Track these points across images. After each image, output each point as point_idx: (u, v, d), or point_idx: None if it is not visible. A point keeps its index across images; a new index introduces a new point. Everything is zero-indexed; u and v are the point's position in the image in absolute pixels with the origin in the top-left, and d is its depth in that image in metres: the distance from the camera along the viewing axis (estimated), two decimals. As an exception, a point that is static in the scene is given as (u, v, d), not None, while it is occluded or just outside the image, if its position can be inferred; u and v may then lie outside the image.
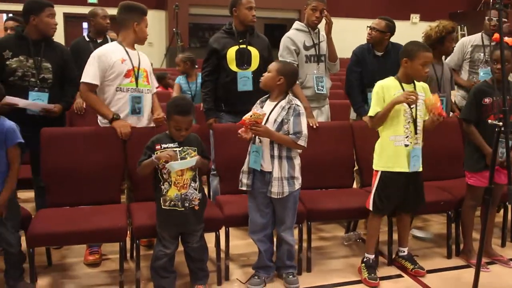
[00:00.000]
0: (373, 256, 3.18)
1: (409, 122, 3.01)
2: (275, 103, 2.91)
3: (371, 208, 3.13)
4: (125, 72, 3.20)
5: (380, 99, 3.04)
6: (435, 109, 2.95)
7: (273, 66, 2.96)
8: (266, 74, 2.94)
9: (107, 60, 3.16)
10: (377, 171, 3.12)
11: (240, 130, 2.90)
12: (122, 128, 3.16)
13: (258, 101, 3.01)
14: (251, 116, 2.79)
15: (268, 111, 2.89)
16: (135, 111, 3.27)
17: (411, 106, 2.99)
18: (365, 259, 3.18)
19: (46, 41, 3.25)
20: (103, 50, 3.22)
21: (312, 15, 3.86)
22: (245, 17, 3.71)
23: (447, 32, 3.86)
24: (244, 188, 2.97)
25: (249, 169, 2.96)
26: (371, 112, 3.06)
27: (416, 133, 3.03)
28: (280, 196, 2.88)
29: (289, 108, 2.87)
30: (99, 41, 4.38)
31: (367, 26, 3.95)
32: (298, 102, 2.93)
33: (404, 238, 3.30)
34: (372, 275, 3.09)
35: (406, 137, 3.02)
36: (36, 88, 3.16)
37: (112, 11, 5.33)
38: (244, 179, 2.97)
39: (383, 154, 3.08)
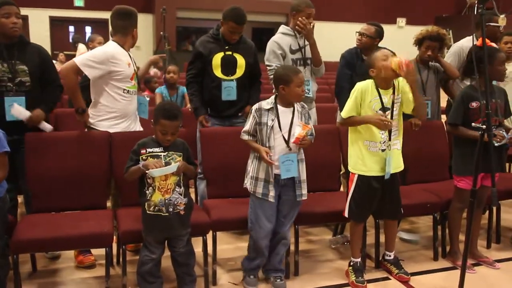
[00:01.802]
0: (359, 259, 3.20)
1: None
2: (291, 109, 2.92)
3: (347, 215, 3.14)
4: (131, 75, 3.31)
5: (357, 104, 3.00)
6: (401, 66, 2.84)
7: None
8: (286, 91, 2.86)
9: (117, 61, 3.22)
10: (353, 174, 3.11)
11: (268, 160, 2.82)
12: (86, 118, 3.28)
13: (263, 109, 2.88)
14: (306, 133, 2.81)
15: (289, 118, 2.89)
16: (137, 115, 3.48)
17: (386, 113, 2.98)
18: (352, 263, 3.20)
19: (20, 43, 3.18)
20: (114, 51, 3.25)
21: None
22: (227, 36, 3.70)
23: (425, 36, 3.86)
24: (272, 201, 2.90)
25: (275, 180, 2.89)
26: (344, 114, 3.05)
27: (390, 139, 3.01)
28: (306, 197, 2.95)
29: (303, 112, 2.95)
30: None
31: (356, 32, 3.96)
32: (305, 104, 3.02)
33: (391, 242, 3.31)
34: (360, 278, 3.10)
35: (383, 142, 3.01)
36: (11, 93, 3.10)
37: (98, 15, 5.32)
38: (272, 192, 2.89)
39: (357, 157, 3.07)
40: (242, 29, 3.68)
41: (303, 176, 2.98)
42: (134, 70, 3.35)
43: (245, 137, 2.96)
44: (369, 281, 3.17)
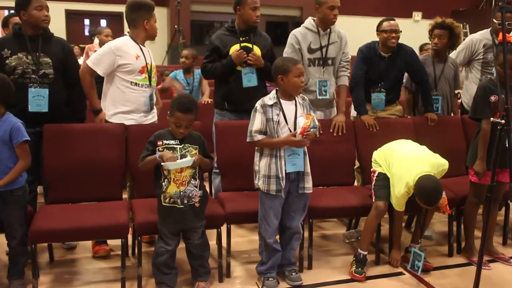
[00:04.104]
0: (366, 252, 3.19)
1: None
2: (293, 102, 2.92)
3: (374, 200, 3.19)
4: (140, 68, 3.30)
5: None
6: (442, 208, 3.10)
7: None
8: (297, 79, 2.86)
9: (122, 54, 3.25)
10: (375, 170, 3.27)
11: (299, 140, 2.80)
12: (103, 117, 3.33)
13: (267, 105, 2.85)
14: (311, 122, 2.80)
15: (293, 111, 2.90)
16: (151, 108, 3.44)
17: None
18: (356, 253, 3.21)
19: (44, 36, 3.22)
20: (120, 44, 3.30)
21: (331, 13, 3.62)
22: (249, 17, 3.66)
23: (433, 26, 3.92)
24: (283, 196, 2.89)
25: (285, 174, 2.86)
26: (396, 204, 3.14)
27: None
28: (312, 190, 2.97)
29: (304, 105, 2.95)
30: None
31: (391, 29, 3.74)
32: (305, 97, 3.04)
33: (419, 235, 3.32)
34: (359, 269, 3.12)
35: None
36: (35, 84, 3.14)
37: (113, 8, 5.35)
38: (284, 187, 2.86)
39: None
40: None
41: (307, 169, 2.97)
42: (147, 63, 3.34)
43: (259, 137, 2.85)
44: (383, 275, 3.18)
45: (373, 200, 3.20)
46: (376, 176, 3.25)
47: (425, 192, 2.96)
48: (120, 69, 3.25)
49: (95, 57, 3.28)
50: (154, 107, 3.54)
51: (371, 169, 3.34)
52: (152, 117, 3.51)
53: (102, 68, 3.24)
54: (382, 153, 3.31)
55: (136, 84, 3.30)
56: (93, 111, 3.34)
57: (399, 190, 3.04)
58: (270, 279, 2.97)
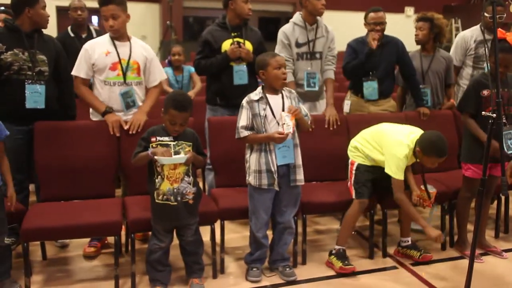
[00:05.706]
0: (344, 247, 3.19)
1: None
2: (279, 95, 2.93)
3: (353, 196, 3.17)
4: (110, 65, 3.20)
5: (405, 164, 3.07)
6: (426, 203, 3.15)
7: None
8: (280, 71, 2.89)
9: (91, 53, 3.19)
10: (354, 161, 3.23)
11: (284, 137, 2.81)
12: (114, 123, 3.17)
13: (253, 101, 2.88)
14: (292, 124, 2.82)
15: (280, 104, 2.90)
16: (129, 105, 3.28)
17: None
18: (334, 251, 3.19)
19: (38, 33, 3.20)
20: (90, 43, 3.27)
21: (318, 3, 3.66)
22: (241, 10, 3.67)
23: (416, 20, 4.04)
24: (277, 188, 2.91)
25: (276, 168, 2.88)
26: (396, 175, 3.04)
27: None
28: (304, 182, 2.97)
29: (291, 97, 2.97)
30: (83, 35, 4.38)
31: (374, 23, 3.80)
32: (292, 90, 3.07)
33: (407, 228, 3.34)
34: (346, 262, 3.12)
35: None
36: (32, 81, 3.11)
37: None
38: (276, 180, 2.88)
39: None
40: None
41: (298, 161, 2.97)
42: (120, 59, 3.20)
43: (245, 133, 2.88)
44: (377, 270, 3.20)
45: (354, 197, 3.16)
46: (356, 170, 3.18)
47: (432, 142, 2.93)
48: (94, 67, 3.20)
49: (76, 64, 3.22)
50: (137, 105, 3.32)
51: (349, 160, 3.27)
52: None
53: (83, 70, 3.19)
54: (368, 137, 3.21)
55: (108, 83, 3.22)
56: (103, 115, 3.23)
57: (401, 152, 2.97)
58: (254, 269, 3.03)
